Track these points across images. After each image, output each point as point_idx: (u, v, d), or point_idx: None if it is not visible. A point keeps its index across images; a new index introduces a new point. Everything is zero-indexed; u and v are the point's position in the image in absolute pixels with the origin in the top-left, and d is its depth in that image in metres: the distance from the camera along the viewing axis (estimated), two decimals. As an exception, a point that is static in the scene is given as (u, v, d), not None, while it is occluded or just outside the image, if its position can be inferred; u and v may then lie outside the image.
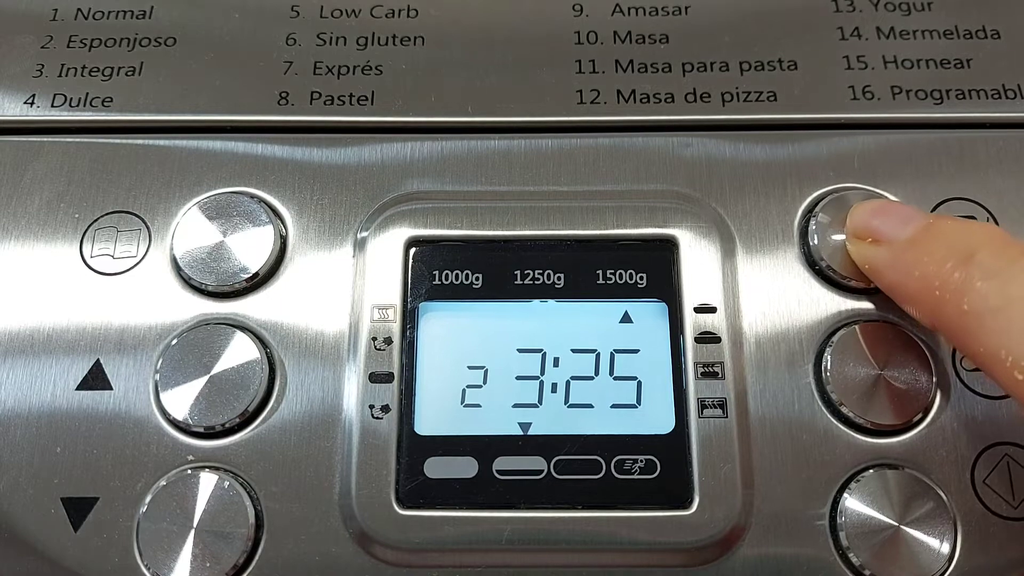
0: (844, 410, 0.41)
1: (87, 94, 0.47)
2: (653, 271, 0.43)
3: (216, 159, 0.45)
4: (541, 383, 0.42)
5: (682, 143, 0.46)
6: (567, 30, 0.48)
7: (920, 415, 0.41)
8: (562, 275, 0.43)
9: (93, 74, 0.47)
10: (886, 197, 0.44)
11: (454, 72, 0.47)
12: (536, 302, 0.43)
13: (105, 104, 0.46)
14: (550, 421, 0.41)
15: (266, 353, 0.42)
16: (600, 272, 0.43)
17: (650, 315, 0.43)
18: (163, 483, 0.40)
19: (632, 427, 0.41)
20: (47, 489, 0.41)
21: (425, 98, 0.47)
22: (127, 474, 0.41)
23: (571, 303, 0.43)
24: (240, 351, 0.42)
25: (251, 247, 0.43)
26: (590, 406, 0.42)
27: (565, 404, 0.42)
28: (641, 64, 0.47)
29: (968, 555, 0.40)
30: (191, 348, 0.42)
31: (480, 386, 0.42)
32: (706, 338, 0.42)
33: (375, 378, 0.42)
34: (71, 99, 0.47)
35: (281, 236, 0.44)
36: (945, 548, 0.39)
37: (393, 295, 0.43)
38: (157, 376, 0.41)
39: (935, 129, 0.46)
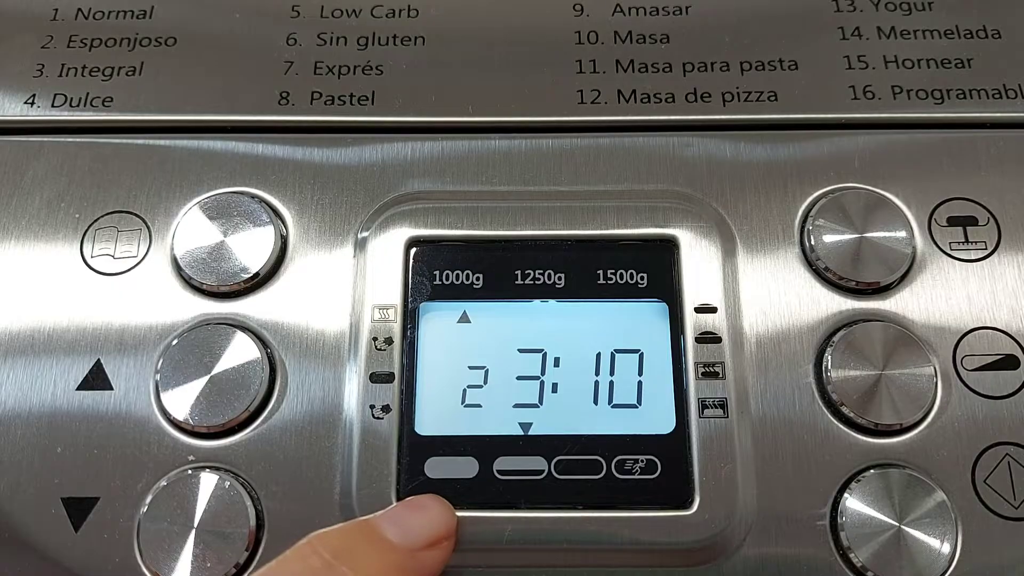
0: (845, 410, 0.41)
1: (87, 94, 0.47)
2: (654, 271, 0.43)
3: (216, 159, 0.45)
4: (542, 383, 0.42)
5: (683, 143, 0.46)
6: (567, 30, 0.48)
7: (921, 415, 0.41)
8: (563, 275, 0.43)
9: (93, 74, 0.47)
10: (887, 197, 0.44)
11: (454, 72, 0.47)
12: (537, 302, 0.43)
13: (105, 104, 0.46)
14: (551, 421, 0.41)
15: (267, 353, 0.42)
16: (601, 272, 0.43)
17: (650, 315, 0.43)
18: (164, 483, 0.40)
19: (633, 427, 0.41)
20: (48, 489, 0.41)
21: (425, 98, 0.47)
22: (128, 474, 0.41)
23: (572, 303, 0.43)
24: (241, 351, 0.42)
25: (252, 247, 0.43)
26: (591, 406, 0.42)
27: (566, 404, 0.42)
28: (642, 64, 0.47)
29: (969, 555, 0.40)
30: (192, 348, 0.42)
31: (481, 386, 0.42)
32: (707, 338, 0.42)
33: (376, 378, 0.42)
34: (71, 99, 0.47)
35: (282, 236, 0.44)
36: (946, 548, 0.39)
37: (394, 295, 0.43)
38: (158, 376, 0.41)
39: (935, 129, 0.46)
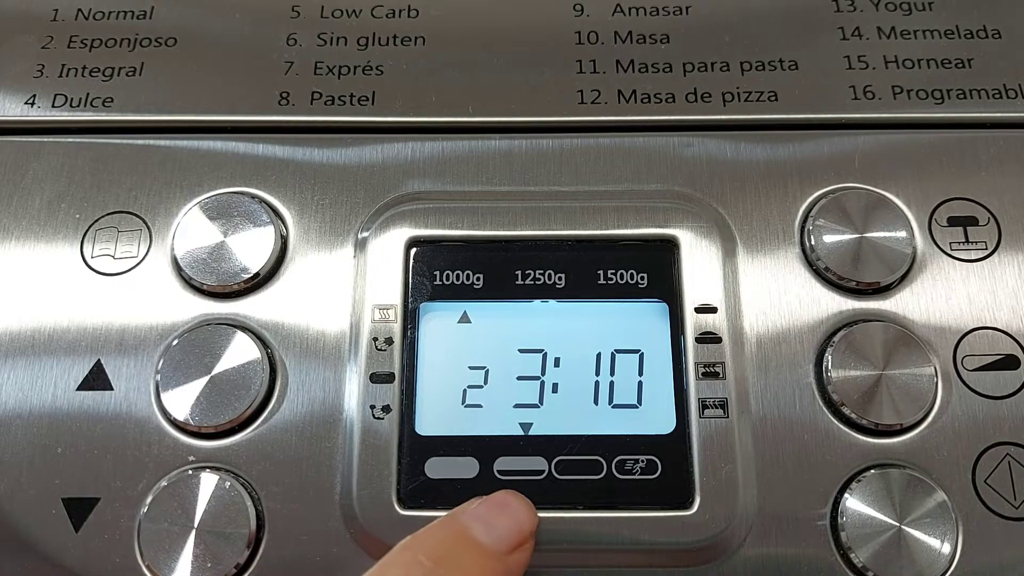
0: (845, 410, 0.41)
1: (88, 94, 0.47)
2: (654, 271, 0.43)
3: (217, 159, 0.45)
4: (542, 383, 0.42)
5: (683, 143, 0.46)
6: (568, 30, 0.48)
7: (921, 415, 0.41)
8: (563, 275, 0.43)
9: (94, 74, 0.47)
10: (887, 197, 0.44)
11: (454, 72, 0.47)
12: (537, 302, 0.43)
13: (106, 104, 0.46)
14: (551, 421, 0.41)
15: (267, 353, 0.42)
16: (601, 272, 0.43)
17: (651, 315, 0.43)
18: (164, 483, 0.40)
19: (633, 427, 0.41)
20: (48, 489, 0.41)
21: (426, 98, 0.47)
22: (128, 474, 0.41)
23: (572, 303, 0.43)
24: (241, 351, 0.42)
25: (252, 247, 0.43)
26: (591, 406, 0.42)
27: (566, 404, 0.42)
28: (642, 64, 0.47)
29: (969, 555, 0.40)
30: (192, 348, 0.42)
31: (481, 386, 0.42)
32: (707, 338, 0.42)
33: (376, 378, 0.42)
34: (72, 99, 0.47)
35: (282, 236, 0.44)
36: (946, 548, 0.39)
37: (394, 295, 0.43)
38: (158, 376, 0.41)
39: (935, 129, 0.46)
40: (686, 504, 0.40)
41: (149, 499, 0.40)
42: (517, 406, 0.42)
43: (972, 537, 0.40)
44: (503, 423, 0.41)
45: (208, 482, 0.40)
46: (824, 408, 0.41)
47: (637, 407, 0.42)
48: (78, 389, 0.42)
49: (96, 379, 0.42)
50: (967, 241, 0.44)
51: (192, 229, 0.43)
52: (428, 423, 0.41)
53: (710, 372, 0.42)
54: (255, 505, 0.40)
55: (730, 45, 0.48)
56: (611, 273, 0.43)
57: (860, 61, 0.47)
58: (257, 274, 0.43)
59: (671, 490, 0.40)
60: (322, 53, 0.48)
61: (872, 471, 0.40)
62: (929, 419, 0.41)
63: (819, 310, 0.43)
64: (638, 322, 0.43)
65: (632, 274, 0.43)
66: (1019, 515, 0.40)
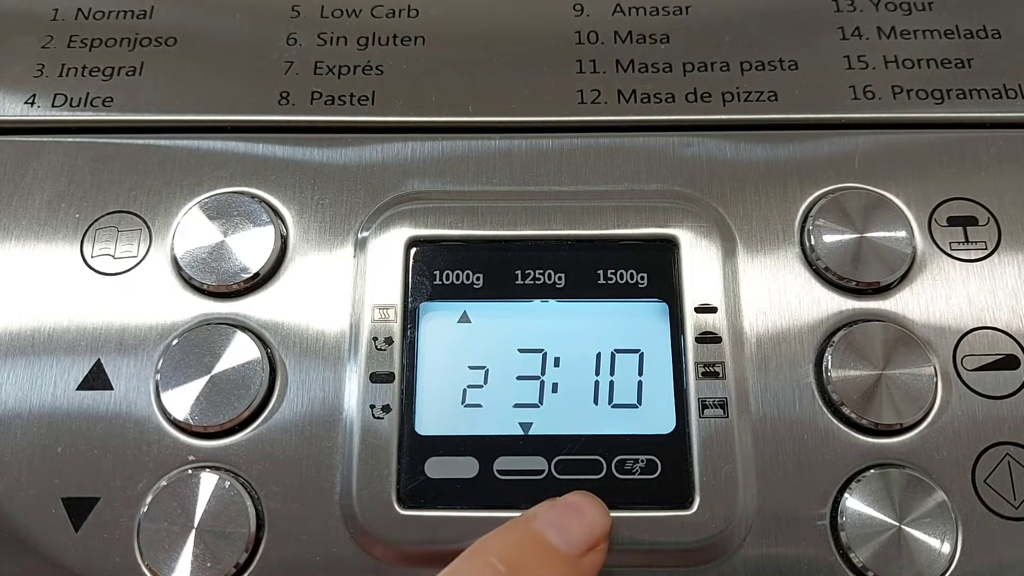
0: (845, 410, 0.41)
1: (87, 94, 0.47)
2: (654, 271, 0.43)
3: (216, 159, 0.45)
4: (542, 383, 0.42)
5: (683, 143, 0.46)
6: (568, 30, 0.48)
7: (921, 415, 0.41)
8: (563, 275, 0.43)
9: (93, 74, 0.47)
10: (887, 197, 0.44)
11: (454, 72, 0.47)
12: (537, 302, 0.43)
13: (105, 104, 0.46)
14: (551, 421, 0.41)
15: (267, 353, 0.42)
16: (601, 272, 0.43)
17: (651, 315, 0.43)
18: (164, 483, 0.40)
19: (633, 427, 0.41)
20: (48, 489, 0.41)
21: (425, 98, 0.47)
22: (128, 474, 0.41)
23: (572, 303, 0.43)
24: (241, 351, 0.42)
25: (252, 247, 0.43)
26: (591, 406, 0.42)
27: (566, 404, 0.42)
28: (642, 64, 0.47)
29: (969, 555, 0.40)
30: (192, 348, 0.42)
31: (481, 386, 0.42)
32: (707, 338, 0.42)
33: (376, 378, 0.42)
34: (72, 99, 0.47)
35: (282, 236, 0.44)
36: (946, 548, 0.39)
37: (394, 295, 0.43)
38: (158, 376, 0.41)
39: (935, 129, 0.46)
40: (686, 504, 0.40)
41: (149, 499, 0.40)
42: (517, 406, 0.42)
43: (972, 537, 0.40)
44: (503, 423, 0.41)
45: (208, 482, 0.40)
46: (824, 408, 0.41)
47: (637, 407, 0.42)
48: (78, 389, 0.42)
49: (96, 379, 0.42)
50: (967, 241, 0.44)
51: (192, 229, 0.43)
52: (428, 423, 0.41)
53: (710, 372, 0.42)
54: (255, 505, 0.40)
55: (730, 45, 0.48)
56: (611, 273, 0.43)
57: (860, 61, 0.47)
58: (257, 274, 0.43)
59: (671, 490, 0.40)
60: (322, 53, 0.48)
61: (872, 471, 0.40)
62: (929, 419, 0.41)
63: (819, 310, 0.43)
64: (638, 322, 0.43)
65: (632, 274, 0.43)
66: (1019, 515, 0.40)
